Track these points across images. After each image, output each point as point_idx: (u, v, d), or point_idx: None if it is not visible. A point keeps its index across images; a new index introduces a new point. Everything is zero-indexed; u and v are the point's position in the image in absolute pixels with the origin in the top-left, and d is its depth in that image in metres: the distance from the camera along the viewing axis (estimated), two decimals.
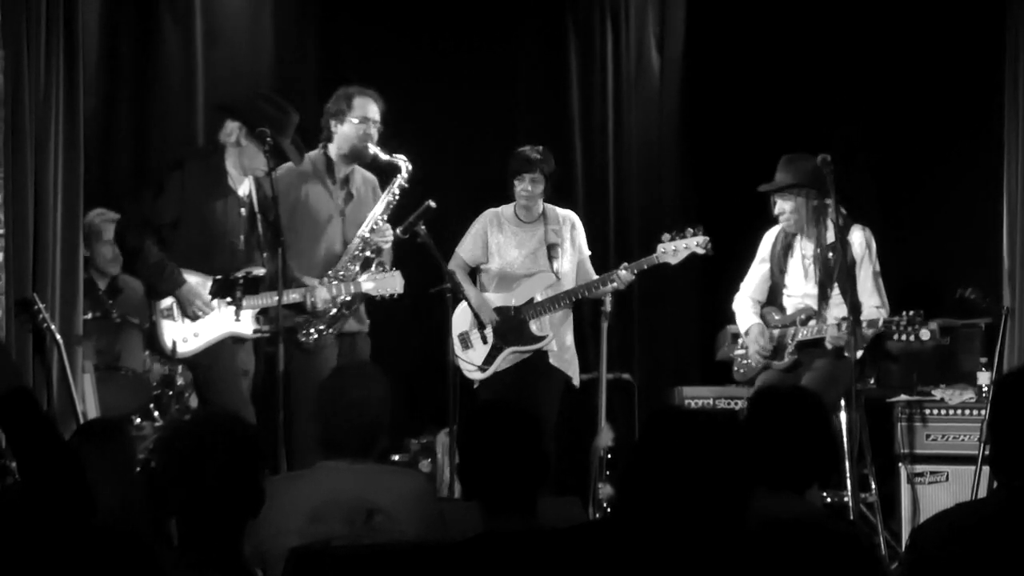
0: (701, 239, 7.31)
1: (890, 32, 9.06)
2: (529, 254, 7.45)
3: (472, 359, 7.37)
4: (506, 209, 7.55)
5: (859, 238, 7.17)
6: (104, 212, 7.34)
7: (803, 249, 7.28)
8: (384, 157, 6.95)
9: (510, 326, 7.35)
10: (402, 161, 6.96)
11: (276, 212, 6.52)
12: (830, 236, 7.13)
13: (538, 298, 7.40)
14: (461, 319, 7.39)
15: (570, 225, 7.57)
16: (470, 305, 7.24)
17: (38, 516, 2.88)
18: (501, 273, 7.44)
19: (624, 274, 7.32)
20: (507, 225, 7.52)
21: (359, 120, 6.95)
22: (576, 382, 7.59)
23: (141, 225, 6.54)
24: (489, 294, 7.44)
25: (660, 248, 7.35)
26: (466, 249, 7.49)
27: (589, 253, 7.62)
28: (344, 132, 6.99)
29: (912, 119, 9.05)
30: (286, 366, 6.60)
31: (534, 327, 7.39)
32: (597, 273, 7.51)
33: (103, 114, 7.85)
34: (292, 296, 6.62)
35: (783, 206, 7.24)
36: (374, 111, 6.99)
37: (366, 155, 6.98)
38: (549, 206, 7.55)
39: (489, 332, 7.32)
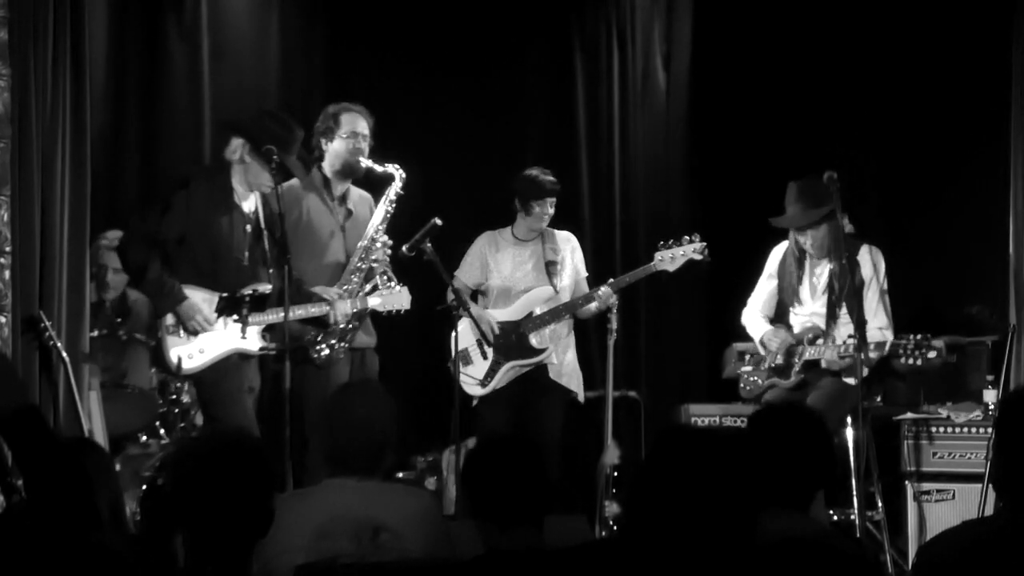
0: (698, 245, 7.36)
1: (897, 50, 9.06)
2: (529, 271, 7.47)
3: (473, 374, 7.37)
4: (503, 230, 7.59)
5: (869, 258, 7.16)
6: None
7: (814, 267, 7.27)
8: (378, 168, 7.00)
9: (510, 341, 7.35)
10: (395, 170, 7.00)
11: (282, 228, 6.53)
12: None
13: (537, 311, 7.41)
14: (463, 337, 7.40)
15: (571, 246, 7.62)
16: (474, 321, 7.21)
17: (44, 534, 2.87)
18: (501, 289, 7.46)
19: (604, 292, 7.35)
20: (505, 245, 7.55)
21: (348, 135, 7.01)
22: (581, 398, 7.59)
23: (144, 242, 6.56)
24: (489, 310, 7.44)
25: (657, 256, 7.40)
26: (465, 272, 7.50)
27: (586, 274, 7.64)
28: (335, 149, 7.03)
29: (918, 137, 9.05)
30: (299, 384, 6.62)
31: (534, 340, 7.40)
32: None
33: (110, 131, 7.87)
34: (312, 310, 6.65)
35: (805, 240, 7.19)
36: (362, 125, 7.03)
37: (359, 169, 7.02)
38: (548, 227, 7.58)
39: (489, 348, 7.31)
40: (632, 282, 7.47)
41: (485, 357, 7.36)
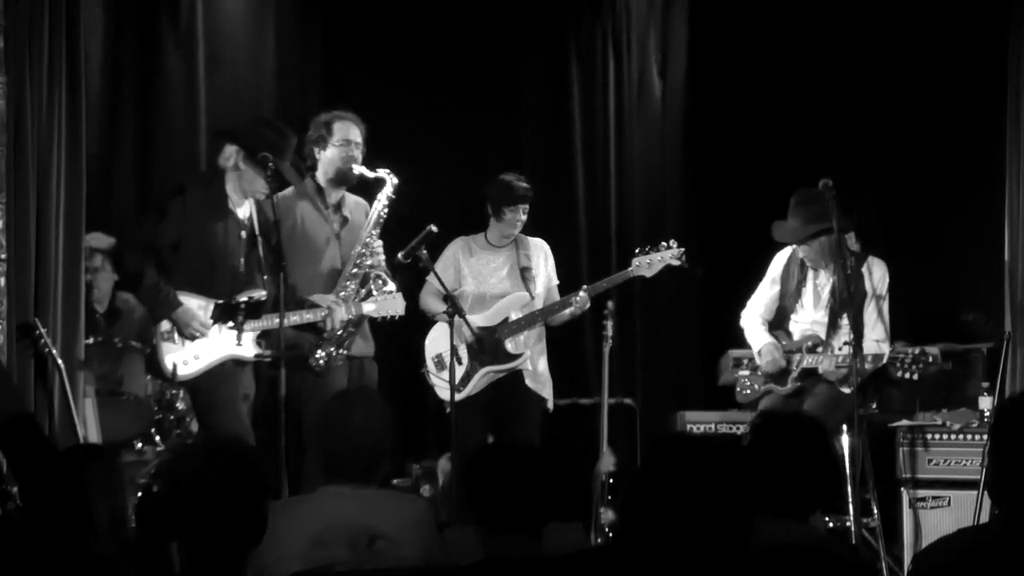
0: (675, 251, 7.35)
1: (894, 58, 9.08)
2: (503, 276, 7.46)
3: (448, 379, 7.35)
4: (476, 236, 7.57)
5: (874, 271, 7.15)
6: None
7: (817, 276, 7.26)
8: (370, 174, 7.01)
9: (485, 346, 7.32)
10: (387, 174, 7.01)
11: (278, 235, 6.53)
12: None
13: (513, 317, 7.40)
14: (436, 341, 7.39)
15: (543, 253, 7.60)
16: (469, 328, 7.19)
17: (38, 542, 2.87)
18: (476, 295, 7.43)
19: (580, 297, 7.33)
20: (478, 250, 7.53)
21: (341, 143, 7.02)
22: (550, 406, 7.56)
23: (140, 249, 6.56)
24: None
25: (634, 262, 7.38)
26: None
27: (557, 282, 7.62)
28: (328, 157, 7.04)
29: (916, 144, 9.06)
30: (296, 391, 6.61)
31: (509, 346, 7.38)
32: None
33: (105, 138, 7.87)
34: (307, 317, 6.65)
35: (805, 252, 7.19)
36: (355, 133, 7.04)
37: (352, 177, 7.03)
38: (520, 234, 7.57)
39: (464, 353, 7.30)
40: (609, 287, 7.45)
41: (460, 363, 7.31)
